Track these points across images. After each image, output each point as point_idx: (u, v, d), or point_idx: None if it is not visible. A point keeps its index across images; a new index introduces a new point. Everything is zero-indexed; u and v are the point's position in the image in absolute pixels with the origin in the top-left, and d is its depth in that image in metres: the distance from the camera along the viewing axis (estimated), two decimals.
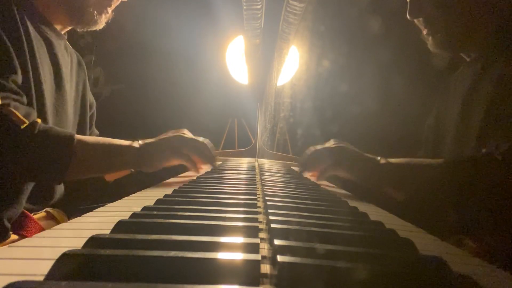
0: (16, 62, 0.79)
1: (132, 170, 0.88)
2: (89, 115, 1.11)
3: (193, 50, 2.02)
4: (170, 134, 0.92)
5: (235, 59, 1.80)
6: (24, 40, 0.83)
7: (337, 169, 0.88)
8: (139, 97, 2.17)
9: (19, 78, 0.80)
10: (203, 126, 1.99)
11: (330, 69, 1.76)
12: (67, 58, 1.00)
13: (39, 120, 0.77)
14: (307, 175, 1.00)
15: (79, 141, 0.79)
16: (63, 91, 0.94)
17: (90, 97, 1.12)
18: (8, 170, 0.76)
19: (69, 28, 1.01)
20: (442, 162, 0.82)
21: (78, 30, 1.00)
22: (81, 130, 1.06)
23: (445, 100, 1.04)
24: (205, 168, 0.99)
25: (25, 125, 0.74)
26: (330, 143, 0.90)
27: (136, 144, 0.85)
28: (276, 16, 1.09)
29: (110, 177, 1.08)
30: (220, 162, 1.21)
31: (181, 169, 1.01)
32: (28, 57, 0.83)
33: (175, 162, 0.91)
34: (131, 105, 2.15)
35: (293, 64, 1.75)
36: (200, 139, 0.94)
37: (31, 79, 0.83)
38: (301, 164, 0.96)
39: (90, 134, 1.16)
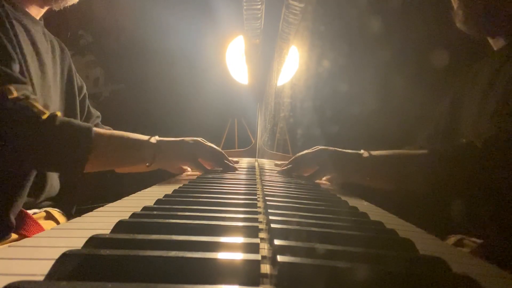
0: (12, 50, 0.79)
1: (148, 164, 0.88)
2: (79, 99, 1.10)
3: (193, 50, 2.02)
4: (188, 139, 0.94)
5: (235, 59, 1.80)
6: (9, 28, 0.82)
7: (324, 170, 0.91)
8: (139, 97, 2.17)
9: (17, 66, 0.80)
10: (203, 126, 1.99)
11: (330, 69, 1.76)
12: (46, 44, 0.99)
13: (58, 113, 0.78)
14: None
15: (97, 133, 0.81)
16: (46, 78, 0.94)
17: (78, 81, 1.11)
18: (27, 161, 0.78)
19: (44, 11, 0.99)
20: (424, 152, 0.84)
21: (55, 8, 0.98)
22: (70, 115, 1.05)
23: (463, 87, 1.02)
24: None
25: (45, 115, 0.75)
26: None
27: (153, 139, 0.87)
28: (276, 16, 1.09)
29: (121, 170, 1.08)
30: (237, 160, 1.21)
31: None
32: (16, 44, 0.82)
33: (186, 165, 0.94)
34: (131, 105, 2.15)
35: (293, 64, 1.75)
36: (217, 148, 0.98)
37: (23, 67, 0.83)
38: (287, 171, 0.97)
39: (89, 116, 1.15)
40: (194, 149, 0.92)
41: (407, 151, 0.88)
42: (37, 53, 0.92)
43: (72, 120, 0.81)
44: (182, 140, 0.92)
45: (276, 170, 1.07)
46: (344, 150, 0.89)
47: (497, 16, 0.88)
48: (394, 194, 0.92)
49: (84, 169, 0.80)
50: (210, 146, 0.95)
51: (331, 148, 0.91)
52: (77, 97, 1.09)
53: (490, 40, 0.96)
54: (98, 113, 1.19)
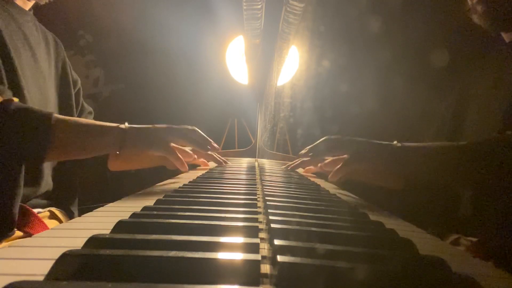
0: None
1: (117, 152, 0.83)
2: (74, 93, 1.09)
3: (193, 50, 2.02)
4: (159, 125, 0.90)
5: (235, 59, 1.80)
6: None
7: (355, 160, 0.83)
8: (139, 97, 2.17)
9: None
10: (203, 126, 1.99)
11: (330, 69, 1.76)
12: (38, 35, 0.98)
13: (15, 99, 0.75)
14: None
15: (59, 120, 0.77)
16: (40, 68, 0.93)
17: (73, 75, 1.11)
18: None
19: (31, 4, 0.98)
20: (461, 144, 0.79)
21: (40, 2, 0.97)
22: (65, 108, 1.04)
23: (469, 82, 1.01)
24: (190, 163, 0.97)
25: None
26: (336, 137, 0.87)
27: (123, 126, 0.84)
28: (276, 16, 1.09)
29: (114, 167, 1.06)
30: (226, 161, 1.19)
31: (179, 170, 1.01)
32: None
33: (158, 152, 0.89)
34: (131, 105, 2.15)
35: (293, 64, 1.75)
36: (189, 127, 0.93)
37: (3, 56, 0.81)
38: (313, 152, 0.90)
39: (81, 111, 1.14)
40: (164, 133, 0.88)
41: (443, 143, 0.83)
42: (29, 43, 0.91)
43: (31, 106, 0.77)
44: (153, 125, 0.89)
45: (276, 170, 1.07)
46: (375, 141, 0.84)
47: None
48: (394, 194, 0.91)
49: (46, 157, 0.76)
50: (179, 127, 0.91)
51: (361, 138, 0.86)
52: (72, 90, 1.09)
53: (504, 34, 0.95)
54: (91, 109, 1.18)
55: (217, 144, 1.00)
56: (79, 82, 1.14)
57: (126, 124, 0.85)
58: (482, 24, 0.91)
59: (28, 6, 0.98)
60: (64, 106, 1.04)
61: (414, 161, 0.81)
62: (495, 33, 0.95)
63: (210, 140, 0.95)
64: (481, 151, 0.77)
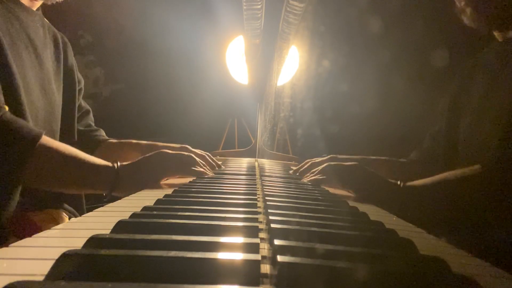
0: None
1: (104, 194, 0.78)
2: (76, 91, 1.09)
3: (193, 50, 2.02)
4: (149, 155, 0.84)
5: (235, 59, 1.80)
6: None
7: (350, 188, 0.81)
8: (139, 97, 2.17)
9: None
10: (203, 126, 1.99)
11: (330, 69, 1.77)
12: (44, 35, 0.97)
13: (6, 107, 0.72)
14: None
15: (46, 146, 0.72)
16: (45, 69, 0.92)
17: (78, 76, 1.10)
18: None
19: (39, 3, 0.96)
20: (477, 169, 0.74)
21: (48, 2, 0.95)
22: (67, 108, 1.03)
23: (464, 81, 1.00)
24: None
25: None
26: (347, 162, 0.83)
27: (114, 165, 0.78)
28: (276, 16, 1.09)
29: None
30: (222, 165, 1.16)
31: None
32: None
33: (171, 176, 0.84)
34: (131, 105, 2.15)
35: (293, 64, 1.75)
36: (198, 151, 0.87)
37: (7, 57, 0.79)
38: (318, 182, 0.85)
39: (79, 109, 1.14)
40: (160, 160, 0.82)
41: (453, 172, 0.77)
42: (33, 45, 0.90)
43: (21, 121, 0.72)
44: (144, 157, 0.83)
45: (276, 170, 1.07)
46: (381, 177, 0.78)
47: (508, 10, 0.86)
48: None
49: (19, 180, 0.70)
50: (175, 153, 0.85)
51: (367, 169, 0.80)
52: (77, 92, 1.09)
53: (496, 33, 0.95)
54: (88, 108, 1.18)
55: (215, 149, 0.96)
56: (83, 82, 1.15)
57: (118, 163, 0.78)
58: (472, 25, 0.91)
59: (35, 6, 0.96)
60: (68, 108, 1.04)
61: (424, 203, 0.76)
62: (486, 32, 0.94)
63: (205, 172, 0.87)
64: (484, 182, 0.73)
